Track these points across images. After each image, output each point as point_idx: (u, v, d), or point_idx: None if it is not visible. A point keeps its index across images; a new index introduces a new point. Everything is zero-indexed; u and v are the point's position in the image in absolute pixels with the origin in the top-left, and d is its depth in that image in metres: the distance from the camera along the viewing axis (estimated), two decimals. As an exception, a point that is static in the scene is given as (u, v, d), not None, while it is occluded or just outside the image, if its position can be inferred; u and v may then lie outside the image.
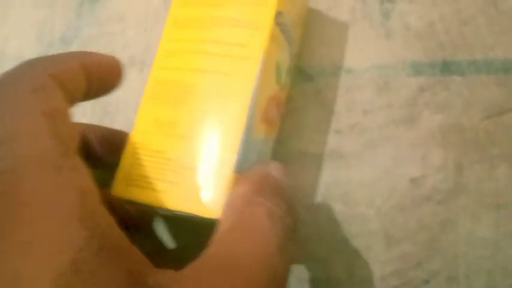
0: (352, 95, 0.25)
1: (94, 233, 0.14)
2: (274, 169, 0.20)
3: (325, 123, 0.23)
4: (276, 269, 0.16)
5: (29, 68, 0.17)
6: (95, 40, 0.27)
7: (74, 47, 0.27)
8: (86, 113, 0.28)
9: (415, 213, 0.24)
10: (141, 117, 0.21)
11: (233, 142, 0.20)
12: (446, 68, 0.26)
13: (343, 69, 0.26)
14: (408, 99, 0.25)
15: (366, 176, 0.25)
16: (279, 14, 0.21)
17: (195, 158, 0.20)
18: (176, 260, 0.17)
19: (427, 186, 0.24)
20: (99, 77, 0.19)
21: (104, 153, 0.22)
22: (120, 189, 0.20)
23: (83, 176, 0.15)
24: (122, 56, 0.27)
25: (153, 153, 0.20)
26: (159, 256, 0.16)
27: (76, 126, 0.18)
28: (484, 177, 0.24)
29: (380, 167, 0.25)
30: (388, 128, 0.25)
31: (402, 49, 0.26)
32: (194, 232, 0.23)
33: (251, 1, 0.21)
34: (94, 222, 0.14)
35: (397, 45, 0.26)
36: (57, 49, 0.27)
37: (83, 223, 0.14)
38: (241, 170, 0.20)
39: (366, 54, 0.26)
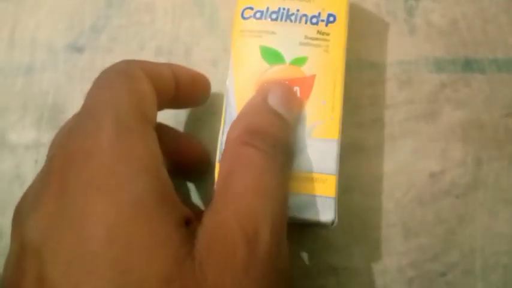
0: (375, 89, 0.26)
1: (156, 182, 0.17)
2: (272, 98, 0.20)
3: (347, 116, 0.23)
4: (276, 199, 0.17)
5: (125, 62, 0.19)
6: (124, 29, 0.28)
7: (104, 36, 0.28)
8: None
9: (433, 206, 0.25)
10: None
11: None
12: (468, 65, 0.26)
13: (367, 63, 0.26)
14: (430, 95, 0.26)
15: (386, 169, 0.25)
16: None
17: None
18: None
19: (446, 180, 0.25)
20: (188, 89, 0.21)
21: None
22: None
23: (151, 139, 0.18)
24: (150, 45, 0.28)
25: None
26: None
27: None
28: (502, 173, 0.25)
29: (400, 160, 0.25)
30: (410, 123, 0.25)
31: (425, 45, 0.26)
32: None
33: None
34: (158, 174, 0.17)
35: (420, 41, 0.26)
36: (87, 38, 0.28)
37: (149, 174, 0.16)
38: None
39: (390, 50, 0.26)
